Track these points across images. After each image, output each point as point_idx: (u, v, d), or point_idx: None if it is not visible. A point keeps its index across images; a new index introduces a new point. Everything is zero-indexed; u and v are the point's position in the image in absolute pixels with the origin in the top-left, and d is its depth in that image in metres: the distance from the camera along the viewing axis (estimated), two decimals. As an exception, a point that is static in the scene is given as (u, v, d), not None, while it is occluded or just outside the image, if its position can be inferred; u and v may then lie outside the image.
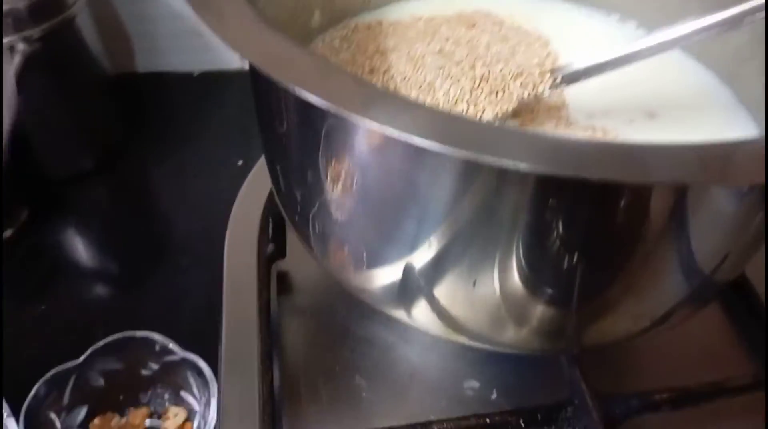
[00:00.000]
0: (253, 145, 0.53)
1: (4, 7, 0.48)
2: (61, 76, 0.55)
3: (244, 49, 0.22)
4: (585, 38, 0.41)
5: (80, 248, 0.58)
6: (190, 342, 0.44)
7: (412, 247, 0.27)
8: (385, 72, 0.39)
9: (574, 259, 0.25)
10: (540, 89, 0.34)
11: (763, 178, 0.18)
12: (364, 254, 0.29)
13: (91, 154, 0.61)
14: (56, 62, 0.54)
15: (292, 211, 0.33)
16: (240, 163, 0.61)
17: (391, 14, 0.43)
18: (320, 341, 0.40)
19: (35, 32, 0.50)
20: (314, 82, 0.20)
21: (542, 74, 0.35)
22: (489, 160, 0.19)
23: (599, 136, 0.35)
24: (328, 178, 0.28)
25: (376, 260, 0.29)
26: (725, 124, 0.35)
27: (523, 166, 0.18)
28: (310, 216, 0.31)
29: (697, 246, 0.26)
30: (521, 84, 0.34)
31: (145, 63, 0.69)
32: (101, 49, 0.59)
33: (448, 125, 0.20)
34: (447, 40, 0.41)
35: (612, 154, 0.19)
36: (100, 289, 0.53)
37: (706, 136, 0.35)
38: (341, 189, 0.27)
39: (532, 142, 0.20)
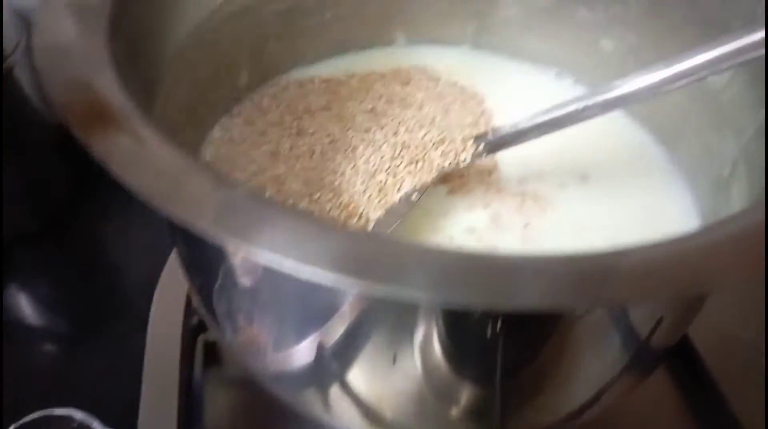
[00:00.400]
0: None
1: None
2: (1, 131, 0.53)
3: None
4: (522, 94, 0.39)
5: (19, 313, 0.55)
6: (121, 416, 0.42)
7: (315, 356, 0.25)
8: (312, 133, 0.38)
9: (482, 364, 0.23)
10: (462, 158, 0.33)
11: (648, 296, 0.16)
12: (269, 350, 0.27)
13: (36, 213, 0.59)
14: (-6, 118, 0.52)
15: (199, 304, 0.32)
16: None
17: (325, 70, 0.42)
18: (248, 416, 0.38)
19: (-32, 87, 0.49)
20: (167, 188, 0.19)
21: (464, 141, 0.33)
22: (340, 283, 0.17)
23: (529, 204, 0.33)
24: (216, 285, 0.26)
25: (283, 355, 0.27)
26: (660, 189, 0.34)
27: (380, 291, 0.16)
28: (215, 311, 0.29)
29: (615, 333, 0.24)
30: (442, 153, 0.33)
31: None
32: (42, 99, 0.58)
33: (304, 245, 0.18)
34: (380, 98, 0.40)
35: (478, 274, 0.17)
36: (37, 357, 0.51)
37: (640, 202, 0.34)
38: (229, 298, 0.25)
39: (394, 261, 0.17)
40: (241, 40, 0.38)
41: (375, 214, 0.31)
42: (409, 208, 0.31)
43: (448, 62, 0.42)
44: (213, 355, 0.40)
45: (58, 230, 0.60)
